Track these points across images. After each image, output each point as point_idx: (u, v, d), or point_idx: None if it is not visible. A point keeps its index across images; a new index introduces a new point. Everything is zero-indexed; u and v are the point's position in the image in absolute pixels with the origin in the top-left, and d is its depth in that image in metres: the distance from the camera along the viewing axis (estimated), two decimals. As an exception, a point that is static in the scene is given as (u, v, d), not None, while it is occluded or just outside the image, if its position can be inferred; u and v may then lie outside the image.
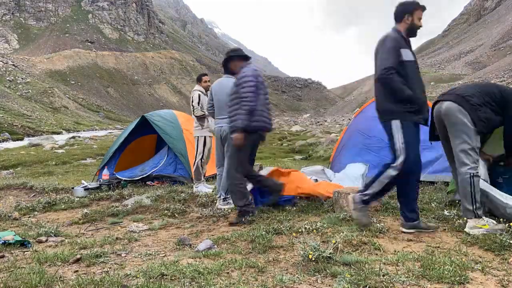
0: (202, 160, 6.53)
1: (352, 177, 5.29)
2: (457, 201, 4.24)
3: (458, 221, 3.56)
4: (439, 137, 3.80)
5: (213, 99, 5.04)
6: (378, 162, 5.79)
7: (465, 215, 3.41)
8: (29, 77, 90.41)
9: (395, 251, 2.95)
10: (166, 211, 5.18)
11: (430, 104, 6.04)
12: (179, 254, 3.20)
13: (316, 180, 5.31)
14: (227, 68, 4.74)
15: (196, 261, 2.86)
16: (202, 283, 2.35)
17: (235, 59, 4.60)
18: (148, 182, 7.47)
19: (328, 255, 2.62)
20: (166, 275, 2.52)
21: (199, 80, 6.80)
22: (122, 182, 7.52)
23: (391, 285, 2.24)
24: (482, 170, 3.80)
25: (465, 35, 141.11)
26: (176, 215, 5.09)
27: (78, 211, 5.61)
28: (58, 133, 46.26)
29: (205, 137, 6.51)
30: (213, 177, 7.61)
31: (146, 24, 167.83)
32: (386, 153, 5.79)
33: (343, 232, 3.31)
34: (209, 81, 6.55)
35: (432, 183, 5.40)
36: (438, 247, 3.02)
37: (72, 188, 7.07)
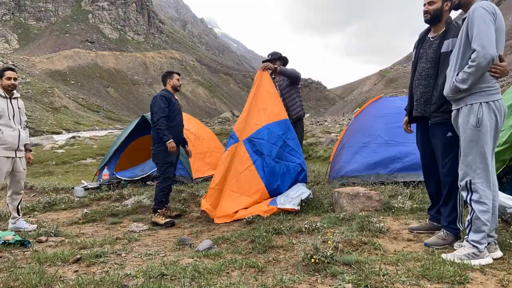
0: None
1: (290, 198, 4.90)
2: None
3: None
4: None
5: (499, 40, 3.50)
6: (377, 160, 5.79)
7: None
8: (29, 77, 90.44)
9: (395, 251, 2.95)
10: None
11: None
12: (179, 254, 3.21)
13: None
14: None
15: (196, 261, 2.87)
16: (202, 283, 2.35)
17: None
18: (148, 182, 7.47)
19: (328, 255, 2.62)
20: (166, 275, 2.52)
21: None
22: (122, 182, 7.52)
23: (391, 285, 2.24)
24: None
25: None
26: (176, 215, 5.09)
27: (78, 211, 5.61)
28: (58, 133, 46.24)
29: None
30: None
31: (146, 24, 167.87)
32: (384, 151, 5.80)
33: (343, 232, 3.31)
34: (15, 78, 4.52)
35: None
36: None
37: (72, 188, 7.08)
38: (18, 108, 4.59)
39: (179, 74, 5.43)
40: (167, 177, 4.95)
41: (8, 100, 4.47)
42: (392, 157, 5.62)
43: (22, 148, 4.58)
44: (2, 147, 4.35)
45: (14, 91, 4.56)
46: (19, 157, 4.54)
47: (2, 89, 4.46)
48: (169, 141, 4.82)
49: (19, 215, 4.63)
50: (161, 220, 4.64)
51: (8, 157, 4.40)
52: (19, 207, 4.65)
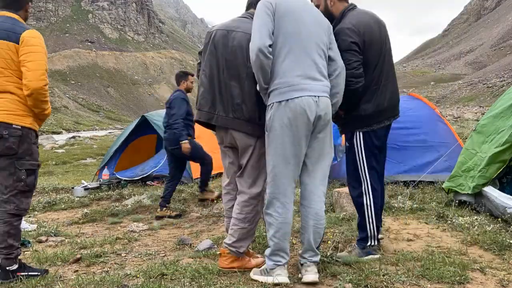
0: None
1: None
2: (460, 202, 4.24)
3: (458, 220, 3.56)
4: None
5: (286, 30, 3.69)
6: None
7: None
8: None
9: (395, 251, 2.95)
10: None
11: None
12: (179, 254, 3.21)
13: None
14: None
15: (196, 261, 2.87)
16: (202, 283, 2.35)
17: None
18: (148, 182, 7.47)
19: (328, 255, 2.61)
20: (166, 275, 2.52)
21: None
22: (122, 182, 7.52)
23: (391, 285, 2.24)
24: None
25: (465, 35, 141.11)
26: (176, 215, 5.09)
27: (78, 211, 5.61)
28: (58, 133, 46.22)
29: None
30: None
31: (146, 24, 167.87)
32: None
33: (343, 232, 3.31)
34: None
35: (432, 183, 5.40)
36: (438, 247, 3.02)
37: (72, 188, 7.07)
38: None
39: (192, 75, 5.45)
40: (207, 161, 5.37)
41: None
42: (394, 161, 5.61)
43: None
44: None
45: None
46: None
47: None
48: (185, 141, 4.94)
49: None
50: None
51: None
52: None
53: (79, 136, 30.15)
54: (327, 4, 2.85)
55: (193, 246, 3.48)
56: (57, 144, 22.84)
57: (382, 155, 2.90)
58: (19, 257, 2.59)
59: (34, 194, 7.22)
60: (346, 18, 2.75)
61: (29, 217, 5.36)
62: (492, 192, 3.75)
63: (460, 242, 3.11)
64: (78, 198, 6.39)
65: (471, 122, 18.43)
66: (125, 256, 3.25)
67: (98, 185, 7.30)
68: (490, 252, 2.86)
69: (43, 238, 3.97)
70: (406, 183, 5.35)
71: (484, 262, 2.63)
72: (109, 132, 42.59)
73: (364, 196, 2.77)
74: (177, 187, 6.59)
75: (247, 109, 2.51)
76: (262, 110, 2.48)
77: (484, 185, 3.85)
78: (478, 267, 2.51)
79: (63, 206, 5.93)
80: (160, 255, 3.27)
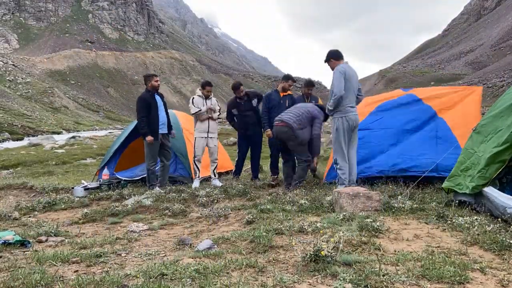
0: (195, 159, 7.13)
1: None
2: (460, 202, 4.24)
3: (458, 220, 3.56)
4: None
5: (346, 85, 5.26)
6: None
7: None
8: (29, 77, 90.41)
9: (395, 251, 2.95)
10: (166, 211, 5.18)
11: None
12: (179, 254, 3.20)
13: None
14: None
15: (196, 261, 2.86)
16: (202, 283, 2.35)
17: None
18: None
19: (328, 255, 2.62)
20: (166, 275, 2.52)
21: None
22: (122, 182, 7.52)
23: (391, 285, 2.24)
24: None
25: (465, 35, 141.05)
26: (176, 215, 5.09)
27: (78, 211, 5.61)
28: (58, 133, 46.24)
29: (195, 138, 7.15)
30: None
31: (146, 24, 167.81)
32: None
33: (343, 232, 3.31)
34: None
35: (432, 183, 5.40)
36: (438, 247, 3.02)
37: (72, 188, 7.07)
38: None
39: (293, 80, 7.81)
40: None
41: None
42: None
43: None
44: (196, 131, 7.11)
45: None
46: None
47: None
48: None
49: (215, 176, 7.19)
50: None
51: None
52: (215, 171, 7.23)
53: (79, 136, 30.12)
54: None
55: (193, 246, 3.48)
56: (57, 144, 22.85)
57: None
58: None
59: (34, 194, 7.24)
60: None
61: (29, 217, 5.37)
62: (492, 192, 3.75)
63: (460, 242, 3.11)
64: (78, 198, 6.39)
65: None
66: (125, 256, 3.25)
67: (98, 185, 7.30)
68: (490, 252, 2.86)
69: (43, 238, 3.97)
70: (406, 183, 5.35)
71: (484, 262, 2.63)
72: (109, 132, 42.57)
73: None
74: (177, 187, 6.61)
75: None
76: None
77: (484, 185, 3.84)
78: (478, 267, 2.51)
79: (63, 206, 5.93)
80: (160, 255, 3.27)
